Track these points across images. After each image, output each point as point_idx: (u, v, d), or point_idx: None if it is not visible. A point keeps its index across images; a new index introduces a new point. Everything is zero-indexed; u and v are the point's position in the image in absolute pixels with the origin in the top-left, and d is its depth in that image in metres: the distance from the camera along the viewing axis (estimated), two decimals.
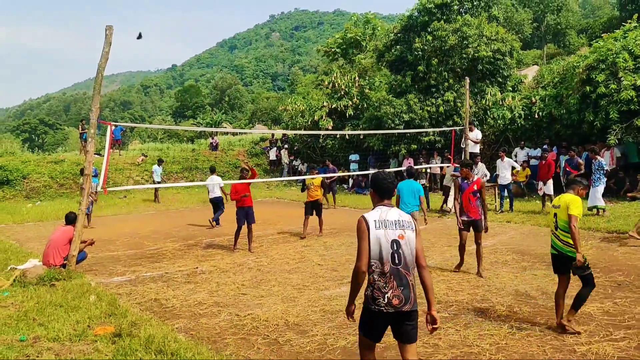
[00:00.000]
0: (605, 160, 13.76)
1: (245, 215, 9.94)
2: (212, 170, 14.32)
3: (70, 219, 8.15)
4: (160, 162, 19.79)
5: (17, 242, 11.02)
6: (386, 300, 3.26)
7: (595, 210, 12.24)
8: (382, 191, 3.50)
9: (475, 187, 7.39)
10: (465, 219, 7.42)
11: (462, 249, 7.59)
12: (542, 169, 13.70)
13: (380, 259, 3.29)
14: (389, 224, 3.34)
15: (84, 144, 23.75)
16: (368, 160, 21.66)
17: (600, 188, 11.89)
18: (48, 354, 4.60)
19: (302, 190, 12.13)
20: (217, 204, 13.47)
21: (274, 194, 21.85)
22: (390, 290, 3.26)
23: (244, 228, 9.94)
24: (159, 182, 18.71)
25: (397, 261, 3.29)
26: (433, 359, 4.52)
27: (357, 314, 3.54)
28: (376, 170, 3.91)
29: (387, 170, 3.79)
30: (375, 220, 3.35)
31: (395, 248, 3.29)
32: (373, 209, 3.49)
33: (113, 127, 8.84)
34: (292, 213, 14.72)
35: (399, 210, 3.49)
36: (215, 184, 13.29)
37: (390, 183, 3.52)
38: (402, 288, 3.27)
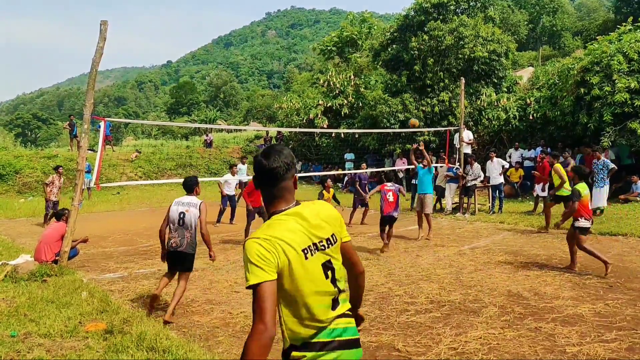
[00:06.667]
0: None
1: (254, 215, 10.09)
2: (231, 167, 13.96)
3: (61, 215, 8.10)
4: (243, 159, 17.74)
5: (9, 237, 10.94)
6: (171, 242, 5.77)
7: (598, 212, 12.23)
8: (185, 189, 5.99)
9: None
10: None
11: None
12: (539, 171, 13.68)
13: (173, 222, 5.80)
14: (180, 204, 5.86)
15: (72, 140, 23.48)
16: (366, 159, 21.69)
17: (606, 189, 11.86)
18: (39, 350, 4.57)
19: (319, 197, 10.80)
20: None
21: None
22: (174, 239, 5.76)
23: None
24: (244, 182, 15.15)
25: (181, 223, 5.77)
26: (425, 358, 4.53)
27: None
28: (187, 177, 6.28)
29: (193, 176, 6.29)
30: (175, 201, 5.92)
31: (181, 217, 5.78)
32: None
33: (104, 123, 8.81)
34: None
35: (193, 197, 5.94)
36: (233, 181, 13.26)
37: (188, 185, 5.96)
38: (180, 238, 5.76)
